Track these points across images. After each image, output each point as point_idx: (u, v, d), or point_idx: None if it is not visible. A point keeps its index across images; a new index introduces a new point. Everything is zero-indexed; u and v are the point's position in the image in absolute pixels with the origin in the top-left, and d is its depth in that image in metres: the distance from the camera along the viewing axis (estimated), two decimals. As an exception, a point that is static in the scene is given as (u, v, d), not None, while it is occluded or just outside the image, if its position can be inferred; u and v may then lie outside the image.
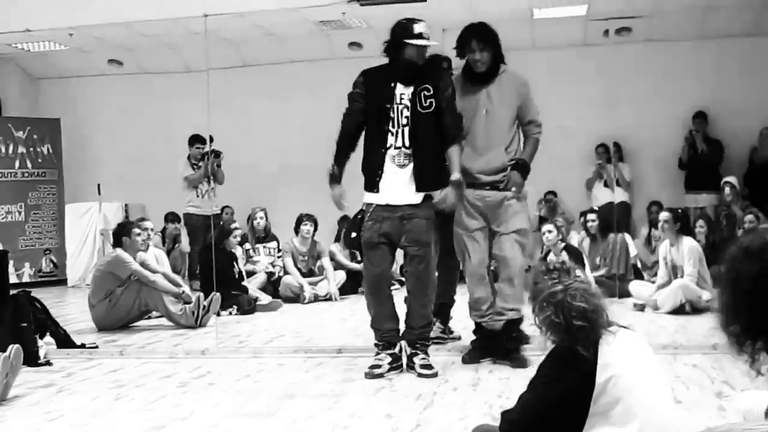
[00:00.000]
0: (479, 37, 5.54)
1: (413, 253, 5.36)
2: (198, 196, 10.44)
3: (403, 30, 5.29)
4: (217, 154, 10.33)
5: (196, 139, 10.55)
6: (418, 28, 5.25)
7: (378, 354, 5.45)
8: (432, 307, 5.58)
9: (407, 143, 5.31)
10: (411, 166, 5.31)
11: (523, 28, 10.42)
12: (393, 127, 5.32)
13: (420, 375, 5.27)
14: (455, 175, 5.33)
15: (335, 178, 5.44)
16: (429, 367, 5.32)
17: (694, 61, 10.73)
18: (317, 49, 11.42)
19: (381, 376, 5.29)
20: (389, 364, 5.38)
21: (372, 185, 5.38)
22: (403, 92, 5.34)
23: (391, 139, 5.33)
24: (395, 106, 5.32)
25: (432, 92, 5.32)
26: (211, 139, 10.40)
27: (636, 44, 10.84)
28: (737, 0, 9.89)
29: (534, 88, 5.71)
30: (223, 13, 7.81)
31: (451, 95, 5.39)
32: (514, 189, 5.54)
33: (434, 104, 5.31)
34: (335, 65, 11.39)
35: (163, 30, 10.25)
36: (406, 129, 5.31)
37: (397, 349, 5.45)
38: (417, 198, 5.34)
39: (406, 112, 5.31)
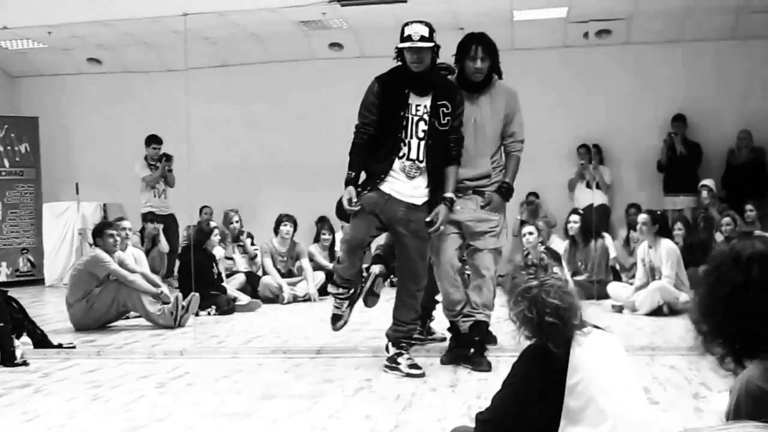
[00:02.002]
0: (483, 46, 5.49)
1: (411, 245, 5.36)
2: (155, 197, 10.65)
3: (401, 33, 5.23)
4: (168, 158, 10.45)
5: (152, 140, 10.74)
6: (407, 30, 5.18)
7: (339, 295, 5.65)
8: (420, 302, 5.58)
9: (421, 157, 5.28)
10: (420, 179, 5.31)
11: (503, 30, 10.44)
12: (406, 137, 5.27)
13: (408, 375, 5.28)
14: (449, 194, 5.35)
15: (351, 182, 5.32)
16: (417, 366, 5.33)
17: (673, 64, 10.78)
18: (297, 49, 11.38)
19: (343, 318, 5.65)
20: (348, 306, 5.66)
21: (372, 187, 5.34)
22: (419, 103, 5.27)
23: (404, 149, 5.29)
24: (410, 116, 5.26)
25: (449, 110, 5.29)
26: (159, 140, 10.55)
27: (616, 47, 10.87)
28: (716, 3, 9.95)
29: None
30: (203, 12, 7.78)
31: (461, 113, 5.38)
32: (493, 212, 5.61)
33: (450, 123, 5.30)
34: (316, 66, 11.39)
35: (143, 29, 10.21)
36: (422, 143, 5.26)
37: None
38: (419, 201, 5.36)
39: (423, 126, 5.26)
